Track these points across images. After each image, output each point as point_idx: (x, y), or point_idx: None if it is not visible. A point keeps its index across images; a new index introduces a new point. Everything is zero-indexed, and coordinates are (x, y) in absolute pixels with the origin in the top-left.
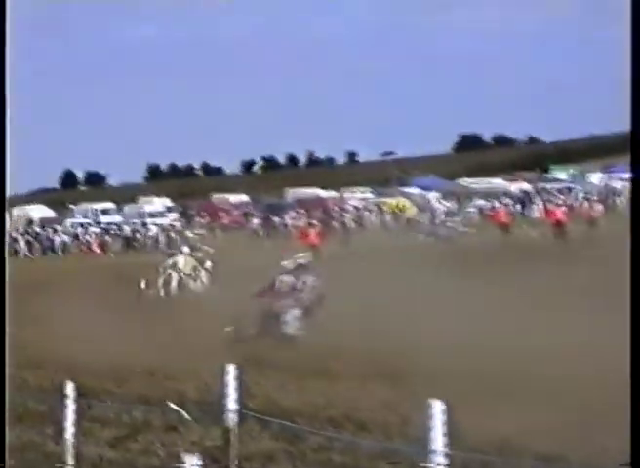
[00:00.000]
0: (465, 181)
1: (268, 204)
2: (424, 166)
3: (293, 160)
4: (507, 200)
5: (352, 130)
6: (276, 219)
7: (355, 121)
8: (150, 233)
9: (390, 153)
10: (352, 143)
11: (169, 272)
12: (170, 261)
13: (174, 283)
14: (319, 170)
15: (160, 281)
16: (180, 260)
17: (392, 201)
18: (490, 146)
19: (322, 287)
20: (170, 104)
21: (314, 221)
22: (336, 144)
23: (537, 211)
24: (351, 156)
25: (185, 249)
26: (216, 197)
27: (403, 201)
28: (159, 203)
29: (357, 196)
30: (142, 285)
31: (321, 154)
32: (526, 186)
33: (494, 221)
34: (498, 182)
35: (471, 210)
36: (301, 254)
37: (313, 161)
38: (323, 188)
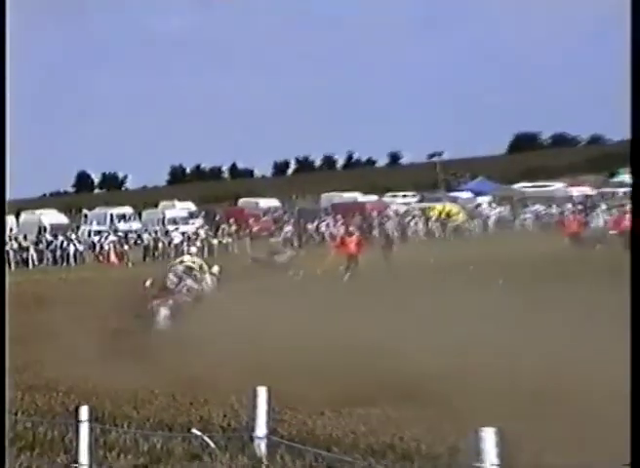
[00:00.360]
0: (521, 185)
1: (301, 209)
2: (475, 168)
3: (329, 162)
4: (568, 206)
5: (396, 129)
6: (310, 227)
7: (399, 119)
8: (174, 242)
9: (437, 154)
10: (395, 144)
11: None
12: (177, 260)
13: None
14: (358, 172)
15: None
16: (185, 260)
17: (439, 206)
18: (548, 147)
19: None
20: (196, 101)
21: (352, 229)
22: (377, 145)
23: (601, 218)
24: (394, 158)
25: (192, 249)
26: (244, 201)
27: (451, 206)
28: (182, 208)
29: (400, 201)
30: (147, 283)
31: (361, 155)
32: (589, 191)
33: (564, 230)
34: (557, 186)
35: (527, 216)
36: (191, 258)
37: (352, 163)
38: (362, 192)
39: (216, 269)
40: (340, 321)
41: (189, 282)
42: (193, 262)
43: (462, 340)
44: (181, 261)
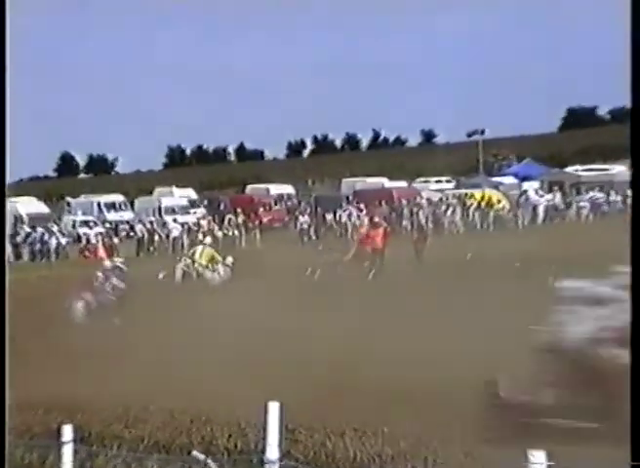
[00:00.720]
0: (574, 168)
1: (319, 197)
2: (521, 149)
3: (352, 141)
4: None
5: (429, 103)
6: (329, 217)
7: (433, 92)
8: (172, 234)
9: (477, 133)
10: (428, 120)
11: (184, 261)
12: (190, 251)
13: (178, 272)
14: (385, 154)
15: (178, 270)
16: (198, 250)
17: (478, 193)
18: (607, 123)
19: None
20: (198, 71)
21: (378, 220)
22: (407, 122)
23: None
24: (427, 137)
25: (207, 239)
26: (253, 188)
27: (492, 193)
28: (181, 195)
29: (433, 187)
30: (161, 276)
31: (388, 134)
32: None
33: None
34: (618, 169)
35: (582, 205)
36: (119, 259)
37: (378, 143)
38: (390, 177)
39: (229, 260)
40: (360, 326)
41: (115, 280)
42: (204, 253)
43: (510, 350)
44: (193, 253)
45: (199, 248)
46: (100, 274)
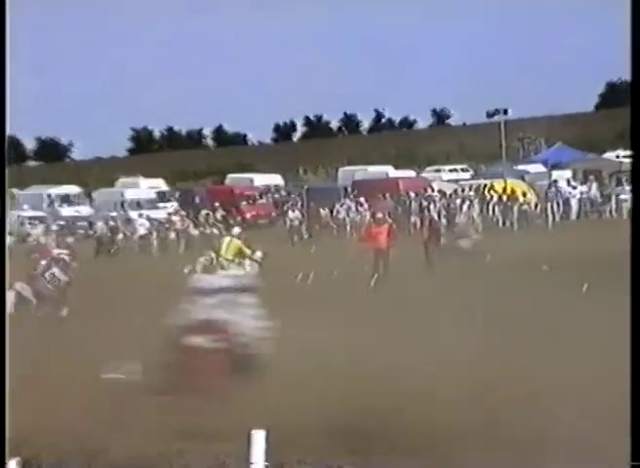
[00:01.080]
0: (615, 154)
1: (312, 189)
2: (551, 131)
3: (351, 123)
4: None
5: (442, 77)
6: (324, 212)
7: (446, 64)
8: (138, 232)
9: (499, 112)
10: (441, 98)
11: (209, 255)
12: (218, 243)
13: (198, 267)
14: (390, 137)
15: (199, 265)
16: (225, 242)
17: (500, 184)
18: None
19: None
20: (170, 42)
21: (381, 215)
22: (416, 99)
23: None
24: (439, 117)
25: (235, 230)
26: (234, 178)
27: (517, 184)
28: (149, 187)
29: (447, 177)
30: (186, 270)
31: (394, 114)
32: None
33: None
34: None
35: (624, 197)
36: (64, 251)
37: (382, 124)
38: (395, 166)
39: (259, 255)
40: (358, 346)
41: (56, 270)
42: (231, 246)
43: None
44: (219, 246)
45: (226, 239)
46: (42, 262)
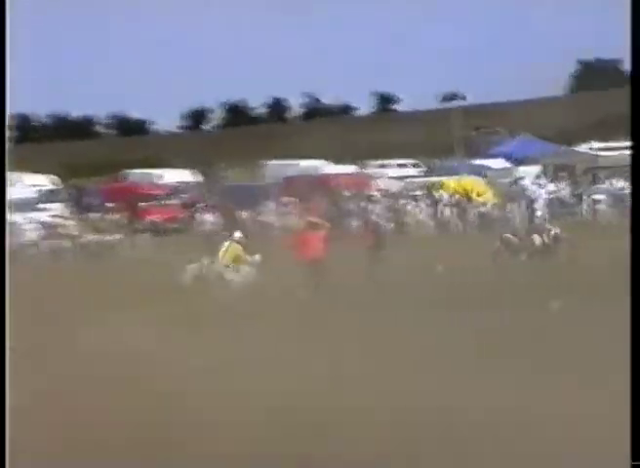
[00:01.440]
0: (590, 147)
1: (233, 187)
2: (514, 120)
3: (280, 108)
4: None
5: (387, 57)
6: (247, 214)
7: (392, 45)
8: (21, 239)
9: (454, 98)
10: (387, 81)
11: (200, 262)
12: (222, 246)
13: (187, 277)
14: (326, 126)
15: (187, 274)
16: (223, 248)
17: (455, 182)
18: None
19: None
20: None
21: (316, 218)
22: (358, 82)
23: None
24: (385, 102)
25: (237, 234)
26: (137, 174)
27: (474, 182)
28: (31, 184)
29: (393, 173)
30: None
31: (331, 99)
32: None
33: None
34: None
35: (599, 198)
36: (229, 245)
37: (317, 110)
38: (333, 160)
39: (257, 258)
40: (289, 378)
41: None
42: (230, 251)
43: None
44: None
45: (225, 244)
46: None
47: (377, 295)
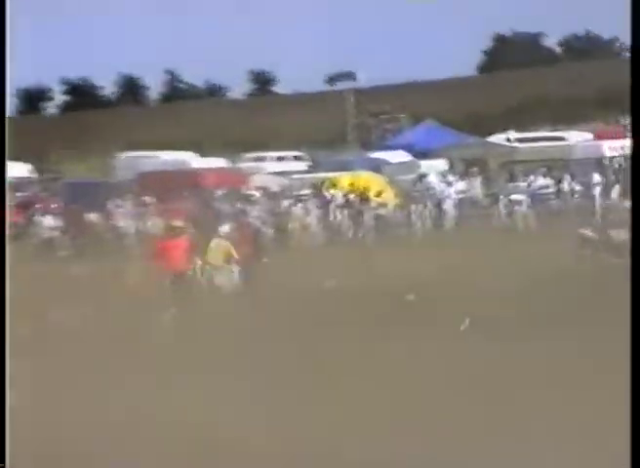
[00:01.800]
0: (506, 137)
1: (75, 184)
2: (417, 104)
3: (132, 87)
4: (596, 177)
5: (264, 30)
6: (95, 217)
7: (271, 17)
8: None
9: (345, 78)
10: (263, 57)
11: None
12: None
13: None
14: (192, 111)
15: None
16: (212, 245)
17: (347, 179)
18: (558, 59)
19: None
20: None
21: (179, 222)
22: (229, 59)
23: None
24: (261, 83)
25: (225, 228)
26: None
27: (371, 179)
28: None
29: (273, 169)
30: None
31: (194, 78)
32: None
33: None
34: (575, 138)
35: (517, 198)
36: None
37: (178, 92)
38: (199, 152)
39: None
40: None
41: None
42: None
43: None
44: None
45: (213, 242)
46: None
47: (252, 314)
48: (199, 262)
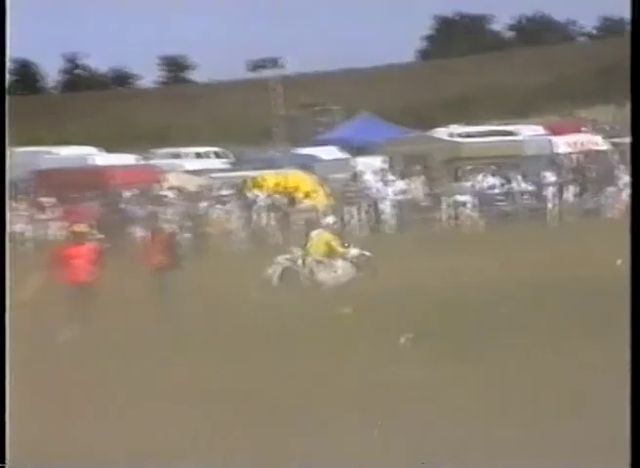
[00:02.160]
0: (450, 132)
1: None
2: (352, 94)
3: (26, 75)
4: (549, 176)
5: (174, 13)
6: None
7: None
8: None
9: (269, 65)
10: (174, 42)
11: (292, 252)
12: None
13: (276, 270)
14: (94, 102)
15: (274, 269)
16: (313, 237)
17: (273, 177)
18: (507, 43)
19: None
20: None
21: (82, 227)
22: (139, 43)
23: (616, 197)
24: (176, 69)
25: (330, 219)
26: None
27: (299, 177)
28: None
29: (190, 166)
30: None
31: (95, 62)
32: (596, 142)
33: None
34: (527, 132)
35: (463, 200)
36: (319, 234)
37: (76, 79)
38: (105, 147)
39: (354, 252)
40: None
41: None
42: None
43: None
44: (307, 241)
45: (314, 233)
46: None
47: (166, 332)
48: (300, 252)
